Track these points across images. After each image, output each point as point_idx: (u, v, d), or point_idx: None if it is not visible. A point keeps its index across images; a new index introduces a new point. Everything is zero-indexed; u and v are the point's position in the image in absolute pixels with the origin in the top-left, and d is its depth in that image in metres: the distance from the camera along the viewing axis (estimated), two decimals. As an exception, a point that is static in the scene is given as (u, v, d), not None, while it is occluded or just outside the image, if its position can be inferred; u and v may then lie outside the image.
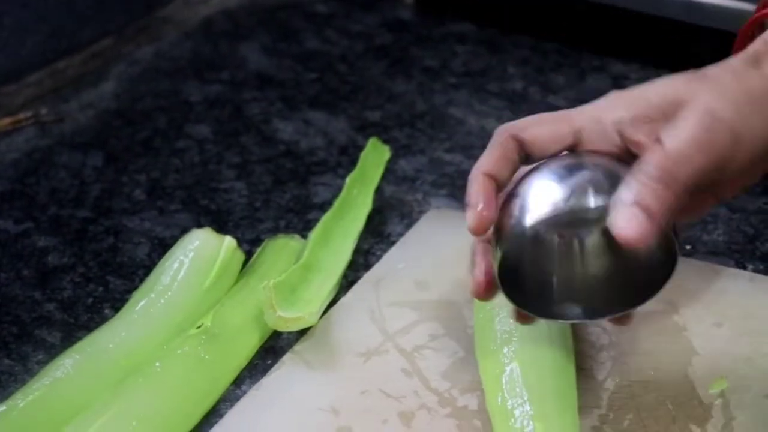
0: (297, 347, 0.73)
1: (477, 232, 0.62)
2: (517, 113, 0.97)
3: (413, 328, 0.74)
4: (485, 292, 0.64)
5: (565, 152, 0.64)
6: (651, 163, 0.59)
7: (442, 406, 0.68)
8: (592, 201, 0.60)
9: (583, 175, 0.61)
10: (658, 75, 0.98)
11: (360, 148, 0.88)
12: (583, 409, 0.67)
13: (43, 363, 0.72)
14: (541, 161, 0.63)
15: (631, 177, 0.59)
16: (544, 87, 1.00)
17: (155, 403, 0.68)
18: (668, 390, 0.68)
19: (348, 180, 0.84)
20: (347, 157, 0.92)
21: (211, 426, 0.69)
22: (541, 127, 0.63)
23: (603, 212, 0.60)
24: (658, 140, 0.60)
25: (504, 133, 0.64)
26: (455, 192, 0.88)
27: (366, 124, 0.97)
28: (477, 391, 0.69)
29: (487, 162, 0.63)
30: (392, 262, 0.80)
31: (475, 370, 0.70)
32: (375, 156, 0.87)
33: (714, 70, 0.63)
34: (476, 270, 0.64)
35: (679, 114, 0.60)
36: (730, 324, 0.72)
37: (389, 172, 0.88)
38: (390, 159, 0.88)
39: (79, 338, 0.73)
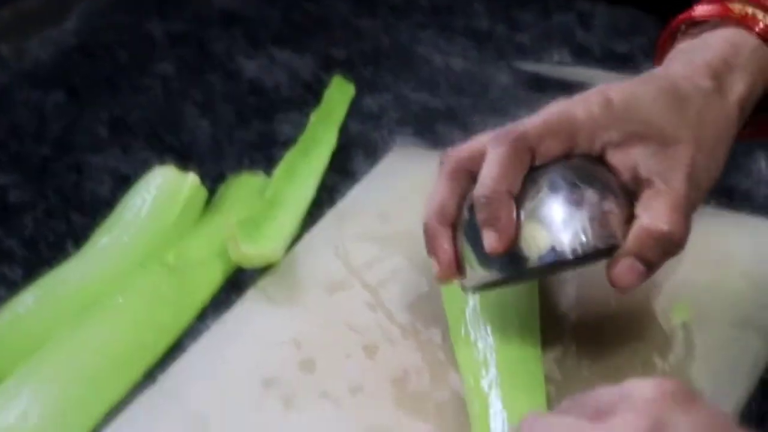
0: (261, 282, 0.73)
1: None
2: (483, 52, 0.97)
3: (377, 262, 0.74)
4: (452, 277, 0.65)
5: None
6: (655, 221, 0.62)
7: (405, 339, 0.69)
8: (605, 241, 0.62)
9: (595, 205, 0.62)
10: (624, 13, 1.00)
11: (325, 86, 0.88)
12: (547, 341, 0.68)
13: (4, 300, 0.72)
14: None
15: (635, 230, 0.62)
16: (510, 25, 1.00)
17: (117, 336, 0.69)
18: (631, 321, 0.69)
19: (312, 117, 0.84)
20: (312, 95, 0.91)
21: (174, 360, 0.69)
22: (554, 143, 0.63)
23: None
24: (651, 185, 0.62)
25: (521, 144, 0.62)
26: (421, 129, 0.88)
27: (331, 61, 0.96)
28: (440, 324, 0.69)
29: (511, 180, 0.62)
30: (356, 198, 0.80)
31: (439, 303, 0.70)
32: (339, 93, 0.87)
33: (686, 89, 0.64)
34: (444, 256, 0.64)
35: (668, 160, 0.62)
36: (692, 255, 0.72)
37: (355, 110, 0.88)
38: (355, 96, 0.88)
39: (42, 275, 0.73)
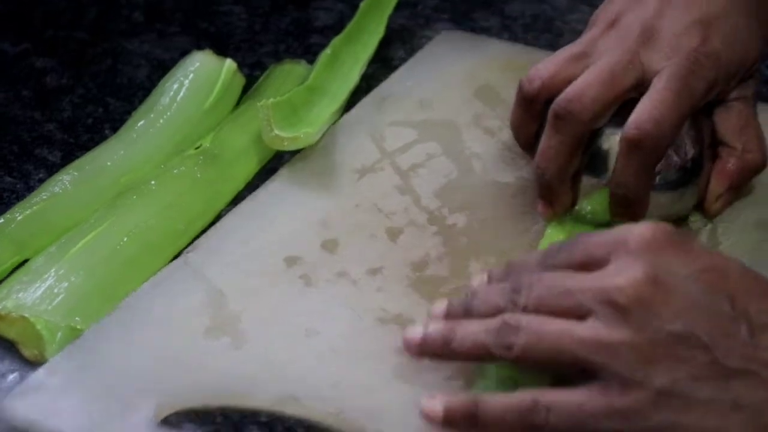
0: (294, 161, 0.77)
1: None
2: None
3: (412, 147, 0.78)
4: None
5: None
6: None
7: (430, 224, 0.73)
8: None
9: None
10: None
11: (364, -28, 0.91)
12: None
13: (44, 181, 0.76)
14: None
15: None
16: None
17: (147, 219, 0.72)
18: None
19: (362, 5, 0.88)
20: (348, -19, 0.95)
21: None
22: None
23: None
24: None
25: None
26: (457, 17, 0.92)
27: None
28: (466, 210, 0.74)
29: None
30: (398, 82, 0.84)
31: (467, 190, 0.75)
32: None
33: None
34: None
35: None
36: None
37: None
38: (392, -16, 0.91)
39: (80, 158, 0.77)
